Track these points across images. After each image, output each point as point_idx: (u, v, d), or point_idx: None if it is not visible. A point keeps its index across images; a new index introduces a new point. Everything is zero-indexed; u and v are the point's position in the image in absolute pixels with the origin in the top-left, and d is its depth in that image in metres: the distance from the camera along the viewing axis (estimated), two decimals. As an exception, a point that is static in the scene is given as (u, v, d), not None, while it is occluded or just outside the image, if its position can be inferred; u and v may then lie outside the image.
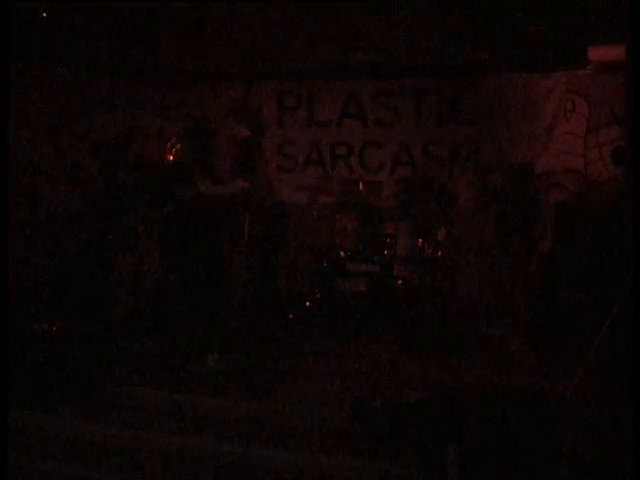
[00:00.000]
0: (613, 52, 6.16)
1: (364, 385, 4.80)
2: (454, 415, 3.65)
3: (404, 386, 4.62)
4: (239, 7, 5.86)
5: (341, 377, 4.98)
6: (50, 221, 7.11)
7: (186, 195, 6.11)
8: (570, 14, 5.44)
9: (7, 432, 3.49)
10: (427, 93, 7.49)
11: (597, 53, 6.08)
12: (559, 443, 3.40)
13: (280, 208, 7.55)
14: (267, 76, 7.80)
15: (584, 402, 3.55)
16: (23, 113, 7.32)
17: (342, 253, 7.06)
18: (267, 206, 7.32)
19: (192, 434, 4.19)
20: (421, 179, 7.27)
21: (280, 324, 6.51)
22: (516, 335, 6.09)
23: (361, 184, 7.41)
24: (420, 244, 6.81)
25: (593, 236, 6.48)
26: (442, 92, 7.45)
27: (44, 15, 5.93)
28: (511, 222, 6.57)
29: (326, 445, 3.99)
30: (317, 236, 7.37)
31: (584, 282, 6.16)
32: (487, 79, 7.18)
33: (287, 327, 6.46)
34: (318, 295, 6.81)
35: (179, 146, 6.31)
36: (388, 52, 6.93)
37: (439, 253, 6.77)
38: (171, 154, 6.31)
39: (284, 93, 7.86)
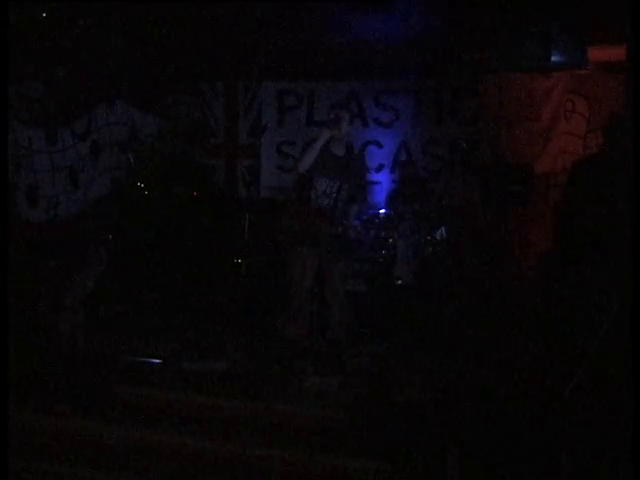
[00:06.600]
0: (613, 52, 6.16)
1: (364, 385, 4.79)
2: (455, 416, 3.65)
3: (404, 386, 4.61)
4: (239, 7, 5.87)
5: (341, 377, 4.97)
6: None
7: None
8: (570, 14, 5.44)
9: (7, 432, 3.49)
10: (427, 93, 7.51)
11: (597, 53, 6.07)
12: (559, 444, 3.40)
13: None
14: (267, 76, 7.81)
15: (584, 402, 3.55)
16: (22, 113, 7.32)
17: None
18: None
19: (192, 434, 4.19)
20: (421, 179, 7.27)
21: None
22: None
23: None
24: (420, 244, 6.80)
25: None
26: (442, 92, 7.47)
27: (44, 15, 5.93)
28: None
29: (326, 445, 3.99)
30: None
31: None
32: (487, 79, 7.18)
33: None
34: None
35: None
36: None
37: (439, 253, 6.76)
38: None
39: (284, 93, 7.87)
